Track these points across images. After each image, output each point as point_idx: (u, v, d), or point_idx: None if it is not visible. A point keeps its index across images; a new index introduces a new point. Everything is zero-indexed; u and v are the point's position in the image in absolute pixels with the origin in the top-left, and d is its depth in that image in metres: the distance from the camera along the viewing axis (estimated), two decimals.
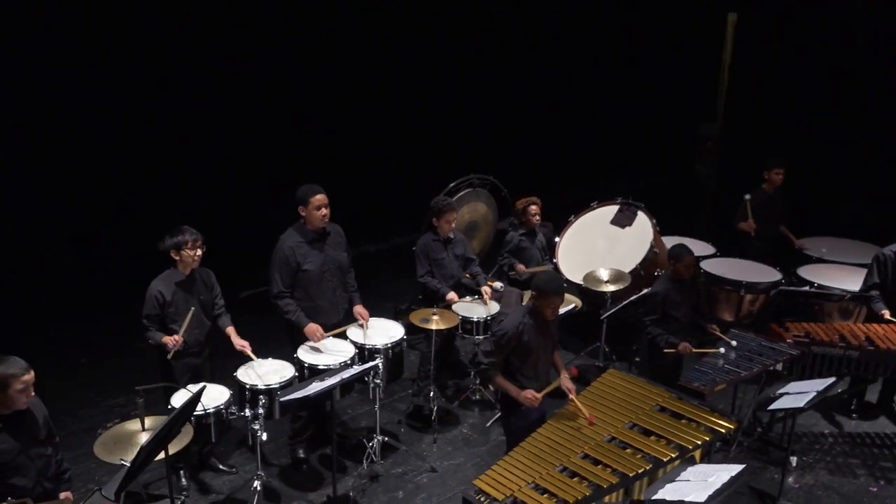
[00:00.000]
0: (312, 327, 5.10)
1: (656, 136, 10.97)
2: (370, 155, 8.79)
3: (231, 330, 5.05)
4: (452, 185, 7.08)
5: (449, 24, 9.45)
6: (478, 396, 6.28)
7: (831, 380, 4.81)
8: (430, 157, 9.16)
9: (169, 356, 4.67)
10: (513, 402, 4.49)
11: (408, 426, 5.92)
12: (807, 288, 6.46)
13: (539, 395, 4.40)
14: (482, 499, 3.73)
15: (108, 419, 5.82)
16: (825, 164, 9.05)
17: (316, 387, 4.50)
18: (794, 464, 5.35)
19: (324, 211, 5.09)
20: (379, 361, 4.90)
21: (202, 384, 4.12)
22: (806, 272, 6.83)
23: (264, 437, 4.61)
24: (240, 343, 4.97)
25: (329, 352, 5.08)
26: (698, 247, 7.31)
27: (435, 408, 5.82)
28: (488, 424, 5.96)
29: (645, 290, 6.10)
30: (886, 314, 5.67)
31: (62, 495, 3.59)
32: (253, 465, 5.34)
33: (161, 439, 3.40)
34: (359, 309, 5.43)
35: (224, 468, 5.28)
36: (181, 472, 5.05)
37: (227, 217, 7.77)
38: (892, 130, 8.80)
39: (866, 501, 5.14)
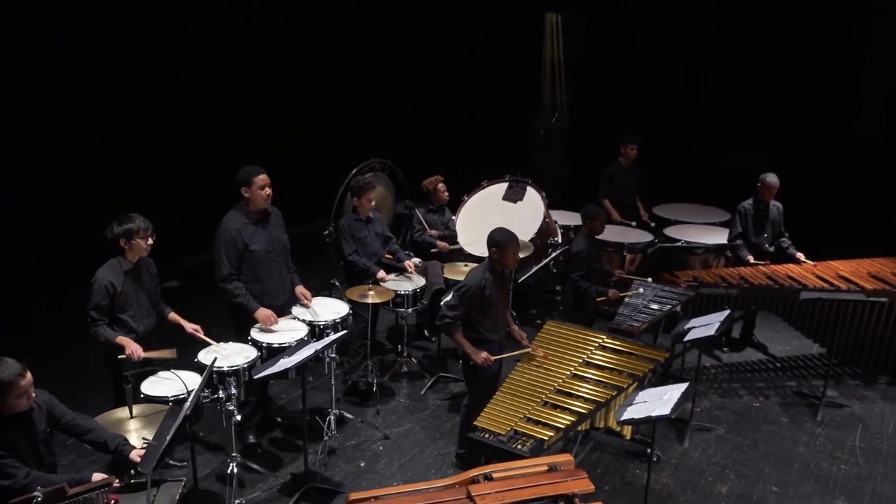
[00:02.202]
0: (265, 312, 5.09)
1: (505, 126, 11.71)
2: (258, 149, 8.67)
3: (175, 316, 4.93)
4: (355, 170, 7.26)
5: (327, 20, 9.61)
6: (405, 369, 6.53)
7: (726, 312, 5.63)
8: (308, 153, 9.23)
9: (122, 356, 4.45)
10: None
11: (347, 402, 6.04)
12: (679, 243, 7.39)
13: (492, 358, 4.76)
14: (486, 435, 4.03)
15: None
16: (669, 140, 10.22)
17: (290, 361, 4.55)
18: None
19: (268, 191, 5.10)
20: (344, 333, 5.01)
21: (213, 355, 4.06)
22: (670, 232, 7.80)
23: (239, 417, 4.58)
24: (192, 327, 4.86)
25: (282, 332, 5.11)
26: (574, 217, 8.09)
27: (375, 381, 6.00)
28: (423, 392, 6.24)
29: (552, 255, 6.73)
30: (751, 258, 6.69)
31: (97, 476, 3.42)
32: (201, 457, 5.25)
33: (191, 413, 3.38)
34: (301, 289, 5.49)
35: (175, 463, 5.10)
36: (131, 471, 4.83)
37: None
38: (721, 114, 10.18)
39: (753, 414, 6.06)
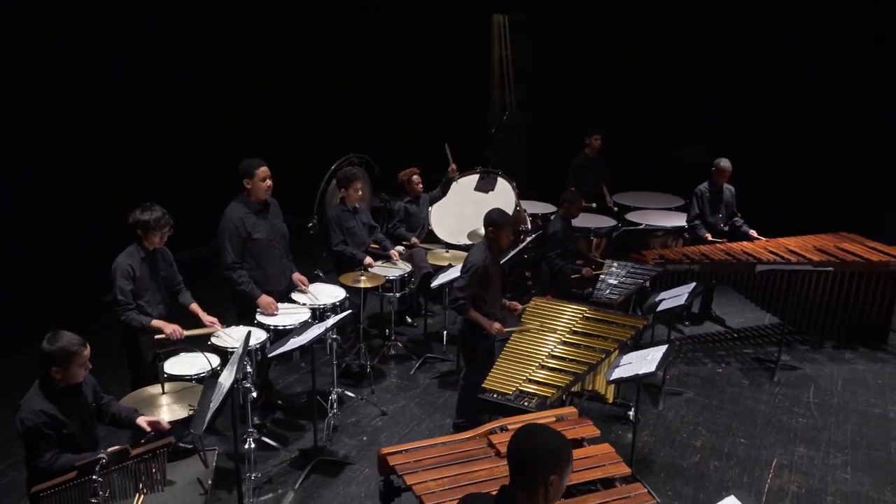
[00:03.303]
0: (267, 299, 5.34)
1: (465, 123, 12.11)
2: (234, 147, 8.86)
3: (196, 307, 5.10)
4: (335, 164, 7.54)
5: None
6: (393, 352, 6.84)
7: (692, 284, 6.13)
8: (284, 150, 9.44)
9: (160, 337, 4.63)
10: (476, 332, 5.18)
11: (341, 384, 6.29)
12: (641, 226, 7.92)
13: (504, 329, 5.16)
14: (495, 395, 4.41)
15: None
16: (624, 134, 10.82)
17: (300, 339, 4.83)
18: None
19: (269, 182, 5.36)
20: (349, 312, 5.30)
21: (246, 330, 4.31)
22: (631, 217, 8.33)
23: (255, 394, 4.82)
24: (209, 319, 5.05)
25: (286, 315, 5.38)
26: (541, 206, 8.57)
27: (368, 362, 6.30)
28: (412, 372, 6.56)
29: (526, 241, 7.15)
30: (709, 237, 7.25)
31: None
32: (210, 439, 5.45)
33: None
34: (298, 275, 5.76)
35: (184, 445, 5.29)
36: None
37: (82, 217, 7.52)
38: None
39: (717, 379, 6.59)
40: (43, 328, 5.09)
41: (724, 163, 7.26)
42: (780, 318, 7.02)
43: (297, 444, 5.47)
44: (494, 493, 2.44)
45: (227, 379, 3.84)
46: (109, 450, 3.26)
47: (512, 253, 7.18)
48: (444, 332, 7.09)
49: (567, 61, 11.30)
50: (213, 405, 3.60)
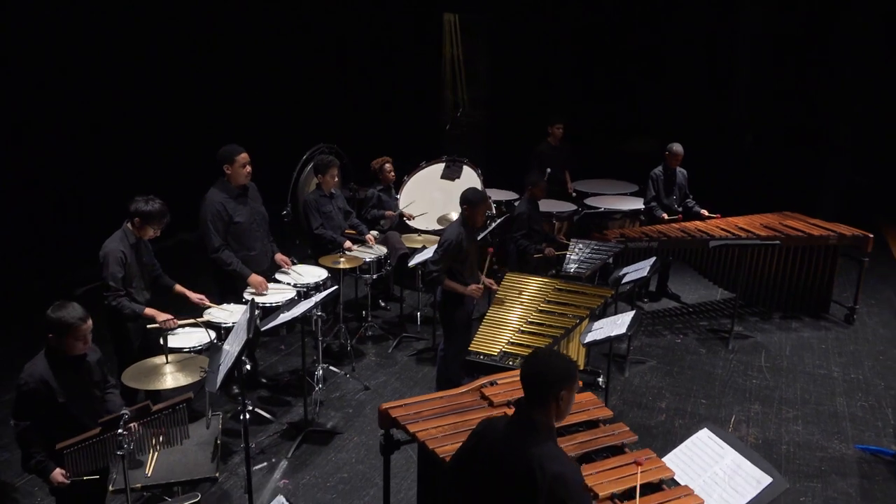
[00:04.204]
0: (258, 278, 5.53)
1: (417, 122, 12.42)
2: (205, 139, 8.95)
3: (181, 287, 5.22)
4: (306, 154, 7.73)
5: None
6: (370, 332, 7.08)
7: (653, 259, 6.53)
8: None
9: (153, 326, 4.73)
10: (454, 301, 5.47)
11: (324, 362, 6.51)
12: (600, 210, 8.34)
13: (482, 287, 5.46)
14: (481, 357, 4.71)
15: None
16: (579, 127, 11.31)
17: (290, 314, 5.04)
18: None
19: (248, 168, 5.54)
20: (335, 288, 5.53)
21: (249, 299, 4.50)
22: (590, 202, 8.74)
23: (249, 367, 5.01)
24: (196, 296, 5.20)
25: (272, 293, 5.57)
26: (504, 194, 8.91)
27: (348, 342, 6.53)
28: (390, 351, 6.81)
29: (492, 226, 7.46)
30: (665, 216, 7.69)
31: None
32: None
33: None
34: (280, 256, 5.96)
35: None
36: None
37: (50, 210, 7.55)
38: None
39: (677, 348, 7.03)
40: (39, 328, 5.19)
41: (677, 147, 7.71)
42: (732, 292, 7.49)
43: (285, 417, 5.67)
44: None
45: (231, 345, 4.04)
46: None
47: (480, 236, 7.50)
48: (418, 314, 7.36)
49: (520, 59, 11.72)
50: (223, 368, 3.80)
